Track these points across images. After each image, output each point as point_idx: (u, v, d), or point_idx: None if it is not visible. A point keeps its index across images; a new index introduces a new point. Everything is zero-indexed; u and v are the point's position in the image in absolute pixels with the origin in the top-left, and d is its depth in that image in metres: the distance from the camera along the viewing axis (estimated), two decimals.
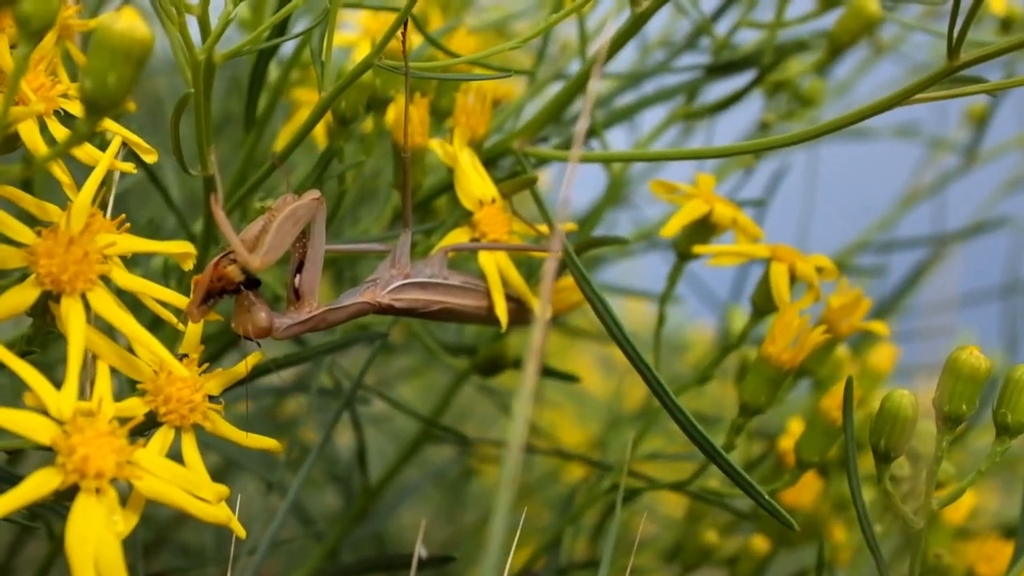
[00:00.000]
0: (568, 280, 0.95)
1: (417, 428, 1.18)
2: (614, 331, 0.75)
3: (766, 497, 0.74)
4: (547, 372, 1.06)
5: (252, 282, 0.71)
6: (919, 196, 1.56)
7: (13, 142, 0.68)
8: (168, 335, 0.76)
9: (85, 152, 0.71)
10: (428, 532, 1.68)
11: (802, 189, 1.48)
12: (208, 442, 0.71)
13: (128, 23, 0.54)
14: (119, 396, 0.67)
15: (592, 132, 1.05)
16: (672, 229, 0.89)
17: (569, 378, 1.06)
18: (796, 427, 1.06)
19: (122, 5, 0.98)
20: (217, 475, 0.71)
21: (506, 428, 1.88)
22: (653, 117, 1.21)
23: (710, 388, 1.05)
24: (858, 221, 1.66)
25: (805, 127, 1.15)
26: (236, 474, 1.35)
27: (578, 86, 0.87)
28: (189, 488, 0.65)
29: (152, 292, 0.69)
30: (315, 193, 0.74)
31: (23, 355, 0.66)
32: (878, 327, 0.97)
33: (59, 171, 0.68)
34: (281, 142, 1.16)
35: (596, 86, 0.55)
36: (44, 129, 0.70)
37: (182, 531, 1.38)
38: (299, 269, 0.75)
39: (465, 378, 1.12)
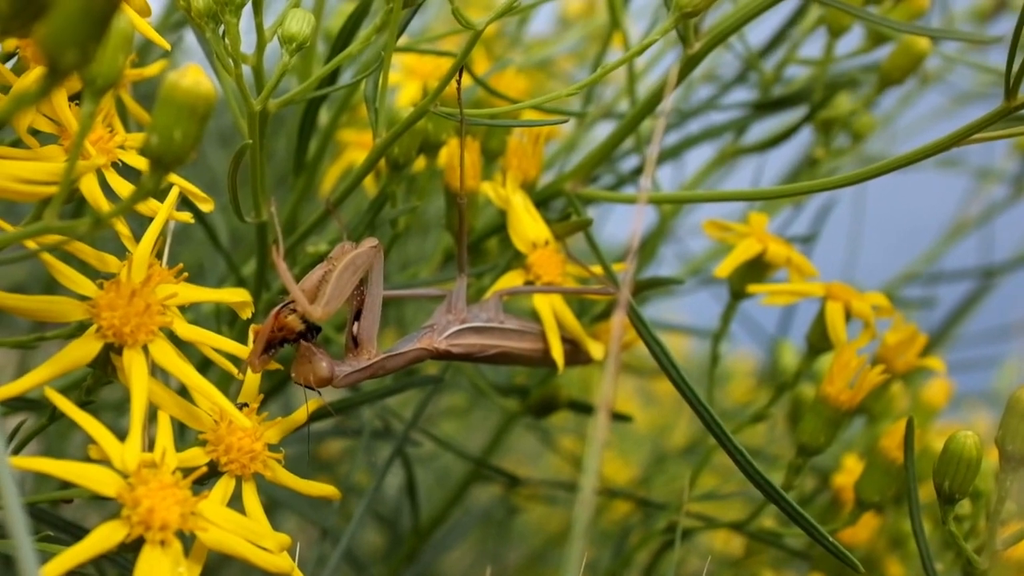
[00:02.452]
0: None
1: (461, 465, 1.18)
2: (673, 375, 0.75)
3: (831, 540, 0.74)
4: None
5: (312, 331, 0.71)
6: (967, 227, 1.55)
7: (72, 193, 0.69)
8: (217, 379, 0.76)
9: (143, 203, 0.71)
10: (471, 571, 1.68)
11: (847, 219, 1.47)
12: None
13: (194, 80, 0.54)
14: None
15: (642, 170, 1.05)
16: (727, 269, 0.89)
17: (623, 419, 1.06)
18: (851, 463, 1.05)
19: (163, 55, 0.99)
20: None
21: (550, 463, 1.89)
22: (700, 150, 1.20)
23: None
24: (904, 249, 1.65)
25: (853, 161, 1.16)
26: (272, 510, 1.35)
27: (629, 128, 0.87)
28: (252, 538, 0.65)
29: (211, 342, 0.70)
30: (373, 241, 0.74)
31: (81, 405, 0.66)
32: (934, 363, 0.96)
33: (120, 224, 0.69)
34: (328, 183, 1.16)
35: (660, 134, 0.55)
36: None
37: (228, 571, 1.37)
38: (357, 317, 0.75)
39: (516, 419, 1.11)
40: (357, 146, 1.20)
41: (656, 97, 0.85)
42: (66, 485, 0.63)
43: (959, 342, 1.60)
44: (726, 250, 0.96)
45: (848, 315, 0.89)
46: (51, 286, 1.15)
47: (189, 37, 1.10)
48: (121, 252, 0.70)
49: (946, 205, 1.62)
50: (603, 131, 1.25)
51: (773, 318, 1.32)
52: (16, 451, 0.72)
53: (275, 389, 0.99)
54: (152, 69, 0.85)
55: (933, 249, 1.57)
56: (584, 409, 1.05)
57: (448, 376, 1.33)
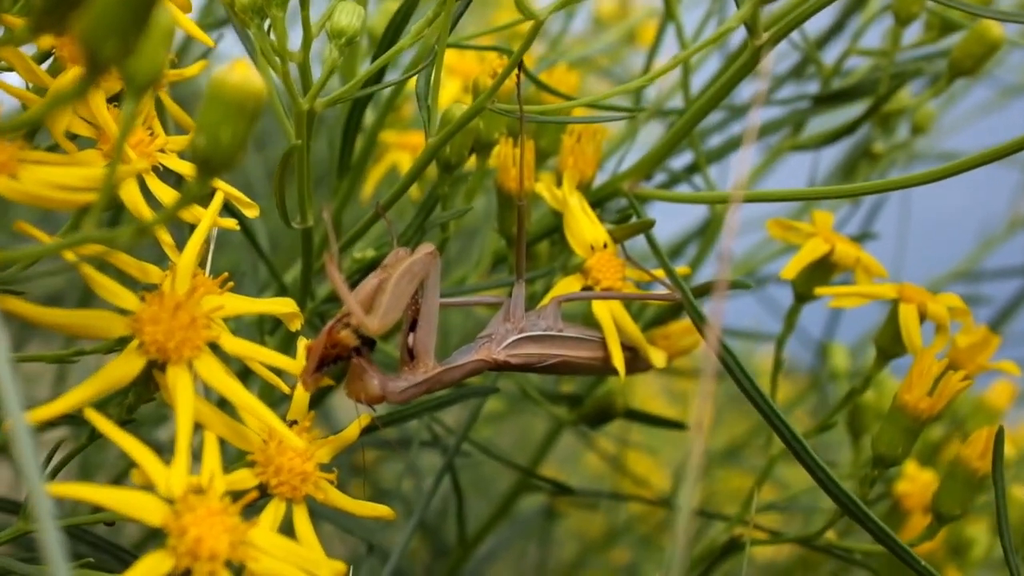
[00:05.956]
0: (678, 324, 0.91)
1: (497, 469, 1.14)
2: (745, 384, 0.70)
3: (919, 560, 0.69)
4: (655, 420, 1.02)
5: (367, 345, 0.67)
6: (1018, 224, 1.50)
7: (112, 199, 0.65)
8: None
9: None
10: None
11: (894, 215, 1.42)
12: None
13: (242, 76, 0.50)
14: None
15: (695, 168, 1.01)
16: (793, 271, 0.85)
17: (675, 425, 1.02)
18: (912, 470, 1.01)
19: (202, 55, 0.95)
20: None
21: (587, 465, 1.85)
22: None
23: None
24: (944, 244, 1.60)
25: (902, 154, 1.12)
26: None
27: (690, 125, 0.83)
28: (306, 566, 0.61)
29: (260, 357, 0.66)
30: (429, 247, 0.70)
31: (122, 424, 0.62)
32: (1009, 367, 0.92)
33: (162, 232, 0.65)
34: (369, 186, 1.12)
35: (753, 136, 0.51)
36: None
37: None
38: (413, 327, 0.71)
39: (565, 427, 1.08)
40: (399, 147, 1.16)
41: (717, 93, 0.80)
42: None
43: (1007, 341, 1.55)
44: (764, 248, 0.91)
45: (922, 319, 0.84)
46: (88, 295, 1.12)
47: (223, 42, 1.06)
48: (158, 260, 0.66)
49: (988, 199, 1.57)
50: (650, 127, 1.21)
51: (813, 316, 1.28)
52: (56, 471, 0.68)
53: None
54: (192, 70, 0.82)
55: (980, 247, 1.52)
56: (641, 418, 1.01)
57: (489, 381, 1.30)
